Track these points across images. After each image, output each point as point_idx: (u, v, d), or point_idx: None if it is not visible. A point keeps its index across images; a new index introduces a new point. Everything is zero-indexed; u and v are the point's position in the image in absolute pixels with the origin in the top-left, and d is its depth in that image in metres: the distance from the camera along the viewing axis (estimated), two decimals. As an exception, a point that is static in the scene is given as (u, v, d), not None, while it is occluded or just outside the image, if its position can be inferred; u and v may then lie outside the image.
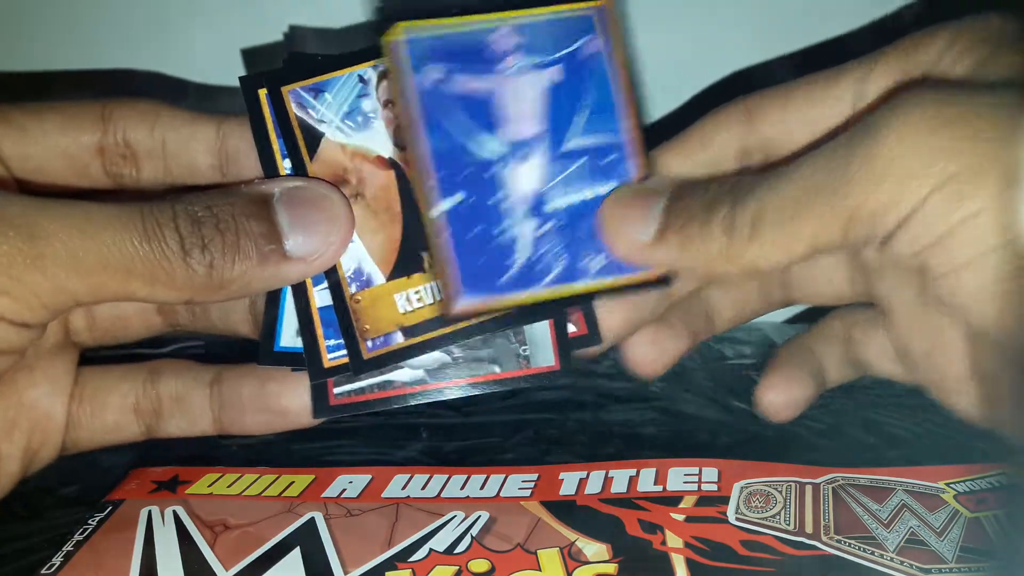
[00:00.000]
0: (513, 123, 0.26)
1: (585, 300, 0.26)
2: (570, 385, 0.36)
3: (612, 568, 0.24)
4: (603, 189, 0.26)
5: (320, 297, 0.26)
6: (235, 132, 0.27)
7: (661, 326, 0.28)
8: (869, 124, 0.22)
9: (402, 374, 0.26)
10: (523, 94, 0.26)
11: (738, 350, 0.38)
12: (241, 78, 0.27)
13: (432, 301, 0.26)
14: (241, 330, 0.29)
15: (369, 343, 0.26)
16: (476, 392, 0.26)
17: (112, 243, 0.23)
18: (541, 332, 0.27)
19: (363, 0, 0.37)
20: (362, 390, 0.26)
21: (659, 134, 0.28)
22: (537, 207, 0.26)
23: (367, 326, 0.26)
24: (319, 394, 0.27)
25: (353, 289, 0.26)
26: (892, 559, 0.24)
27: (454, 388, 0.26)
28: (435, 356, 0.26)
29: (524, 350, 0.26)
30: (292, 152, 0.26)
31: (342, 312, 0.26)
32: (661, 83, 0.36)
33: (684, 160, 0.28)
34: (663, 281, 0.27)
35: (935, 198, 0.21)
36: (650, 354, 0.28)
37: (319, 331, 0.26)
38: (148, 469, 0.30)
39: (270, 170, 0.27)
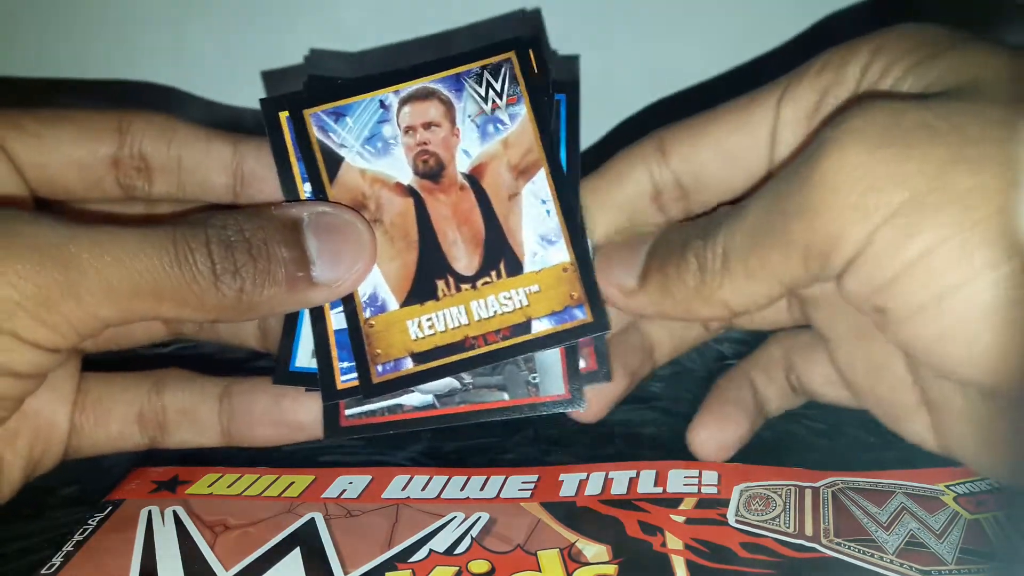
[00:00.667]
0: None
1: (529, 349, 0.26)
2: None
3: (612, 569, 0.24)
4: None
5: (336, 320, 0.27)
6: (252, 153, 0.27)
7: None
8: (814, 147, 0.20)
9: (412, 398, 0.27)
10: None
11: (738, 350, 0.38)
12: (262, 100, 0.27)
13: (444, 329, 0.26)
14: (249, 343, 0.29)
15: (379, 368, 0.26)
16: (484, 420, 0.26)
17: (145, 269, 0.23)
18: (551, 360, 0.27)
19: (381, 23, 0.37)
20: (372, 413, 0.27)
21: (602, 155, 0.28)
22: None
23: (379, 351, 0.26)
24: (331, 415, 0.27)
25: (368, 314, 0.26)
26: (892, 561, 0.24)
27: (464, 414, 0.27)
28: (445, 382, 0.27)
29: (534, 378, 0.27)
30: (312, 176, 0.27)
31: (355, 336, 0.26)
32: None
33: (601, 199, 0.27)
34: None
35: (883, 233, 0.19)
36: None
37: (334, 353, 0.26)
38: (148, 469, 0.30)
39: (290, 193, 0.27)
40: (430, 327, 0.26)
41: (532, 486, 0.28)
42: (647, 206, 0.27)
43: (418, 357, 0.26)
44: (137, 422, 0.28)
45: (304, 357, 0.27)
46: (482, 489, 0.28)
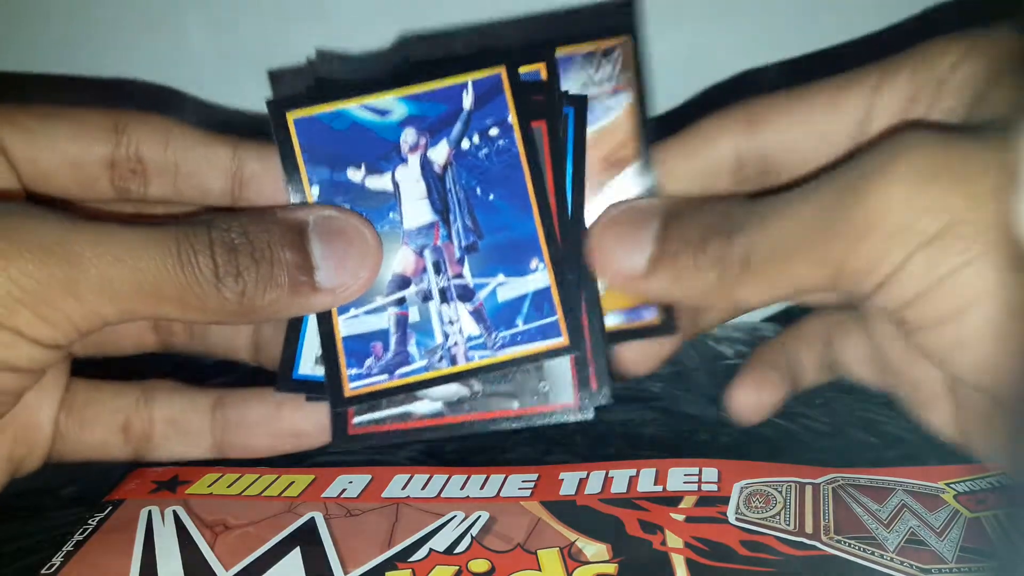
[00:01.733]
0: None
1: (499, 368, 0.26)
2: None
3: (612, 568, 0.24)
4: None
5: (346, 326, 0.26)
6: (251, 157, 0.27)
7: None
8: (859, 172, 0.21)
9: (421, 406, 0.27)
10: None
11: (738, 350, 0.38)
12: (269, 101, 0.27)
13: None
14: (240, 355, 0.29)
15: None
16: (494, 429, 0.26)
17: (146, 269, 0.23)
18: (561, 369, 0.27)
19: (383, 24, 0.37)
20: (381, 421, 0.27)
21: (660, 130, 0.27)
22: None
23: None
24: (338, 422, 0.27)
25: None
26: (892, 559, 0.24)
27: (473, 423, 0.26)
28: (453, 389, 0.27)
29: (543, 386, 0.26)
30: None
31: (328, 345, 0.26)
32: (664, 83, 0.36)
33: (678, 165, 0.27)
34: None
35: (918, 257, 0.20)
36: (639, 354, 0.28)
37: (342, 360, 0.26)
38: (148, 469, 0.30)
39: (297, 195, 0.27)
40: None
41: (532, 485, 0.28)
42: (725, 179, 0.26)
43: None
44: (122, 431, 0.28)
45: (308, 364, 0.27)
46: (482, 488, 0.28)
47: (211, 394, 0.29)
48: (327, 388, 0.26)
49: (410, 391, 0.26)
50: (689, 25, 0.37)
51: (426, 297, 0.26)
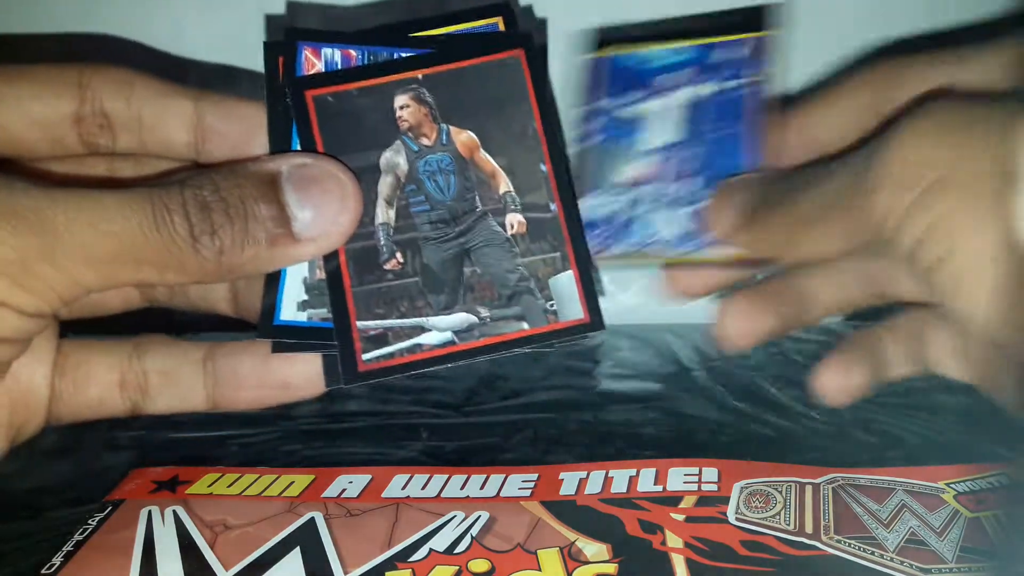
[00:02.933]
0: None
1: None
2: (571, 385, 0.36)
3: (612, 568, 0.24)
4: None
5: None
6: (212, 110, 0.27)
7: (754, 298, 0.29)
8: (884, 135, 0.23)
9: (430, 337, 0.26)
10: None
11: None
12: (266, 44, 0.27)
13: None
14: (220, 308, 0.29)
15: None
16: (506, 353, 0.26)
17: (122, 233, 0.23)
18: (566, 286, 0.26)
19: None
20: (391, 355, 0.26)
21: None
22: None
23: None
24: (347, 360, 0.26)
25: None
26: (892, 559, 0.24)
27: (485, 348, 0.26)
28: (462, 317, 0.26)
29: (551, 305, 0.26)
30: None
31: (338, 299, 0.26)
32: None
33: (819, 120, 0.28)
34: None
35: (918, 203, 0.21)
36: (742, 326, 0.28)
37: (353, 319, 0.26)
38: (148, 469, 0.30)
39: (278, 136, 0.26)
40: None
41: (532, 485, 0.28)
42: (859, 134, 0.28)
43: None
44: (118, 387, 0.28)
45: (289, 310, 0.27)
46: (482, 488, 0.28)
47: (202, 347, 0.28)
48: (338, 344, 0.26)
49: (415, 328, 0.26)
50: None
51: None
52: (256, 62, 0.28)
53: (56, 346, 0.28)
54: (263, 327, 0.26)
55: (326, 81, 0.27)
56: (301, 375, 0.27)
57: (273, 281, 0.26)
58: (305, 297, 0.26)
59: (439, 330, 0.26)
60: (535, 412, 0.34)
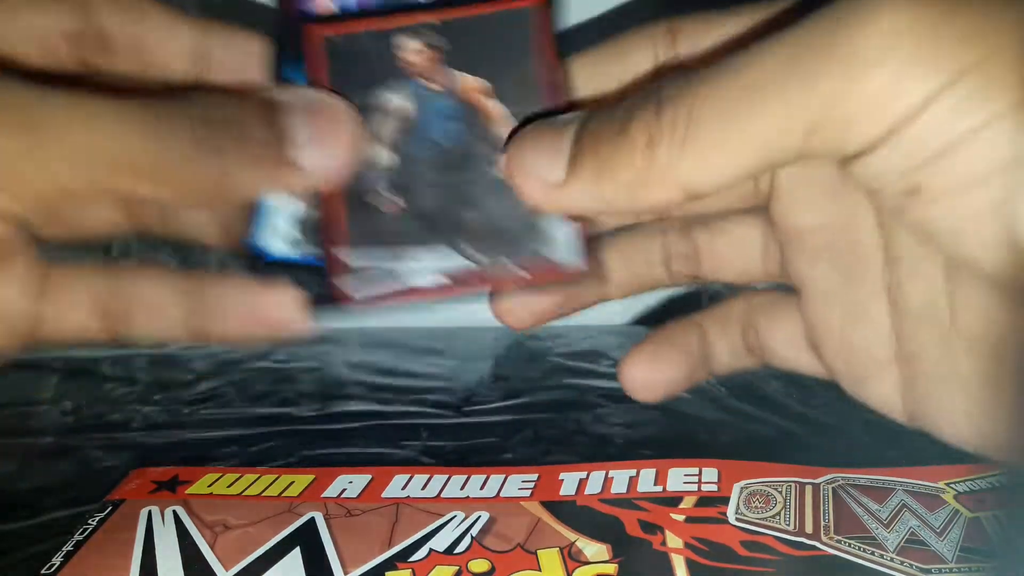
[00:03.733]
0: None
1: None
2: (570, 385, 0.36)
3: (612, 568, 0.24)
4: None
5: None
6: (217, 41, 0.26)
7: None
8: (840, 8, 0.17)
9: (423, 279, 0.26)
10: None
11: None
12: None
13: None
14: (210, 239, 0.28)
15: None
16: (501, 298, 0.26)
17: (120, 137, 0.22)
18: (565, 232, 0.26)
19: None
20: (382, 295, 0.26)
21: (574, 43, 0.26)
22: None
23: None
24: (337, 296, 0.25)
25: None
26: (892, 559, 0.24)
27: (477, 292, 0.25)
28: (459, 261, 0.26)
29: (550, 252, 0.26)
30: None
31: (332, 236, 0.25)
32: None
33: (593, 75, 0.25)
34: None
35: (941, 101, 0.17)
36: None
37: (346, 257, 0.26)
38: (148, 469, 0.30)
39: (286, 74, 0.26)
40: None
41: (532, 485, 0.28)
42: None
43: None
44: (99, 314, 0.26)
45: (280, 245, 0.26)
46: (482, 488, 0.28)
47: (189, 277, 0.27)
48: (325, 265, 0.25)
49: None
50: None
51: None
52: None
53: (33, 265, 0.26)
54: (252, 261, 0.26)
55: (336, 20, 0.27)
56: (288, 310, 0.26)
57: (265, 215, 0.26)
58: (297, 234, 0.26)
59: (433, 273, 0.26)
60: (535, 412, 0.34)
